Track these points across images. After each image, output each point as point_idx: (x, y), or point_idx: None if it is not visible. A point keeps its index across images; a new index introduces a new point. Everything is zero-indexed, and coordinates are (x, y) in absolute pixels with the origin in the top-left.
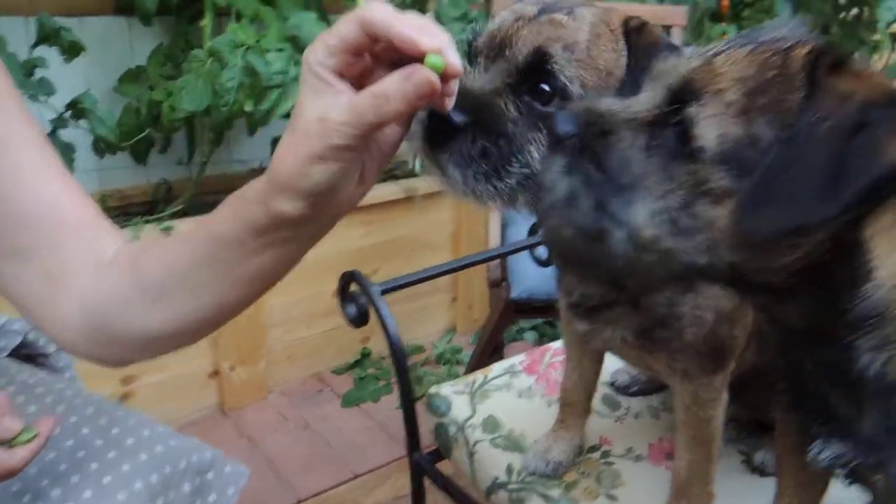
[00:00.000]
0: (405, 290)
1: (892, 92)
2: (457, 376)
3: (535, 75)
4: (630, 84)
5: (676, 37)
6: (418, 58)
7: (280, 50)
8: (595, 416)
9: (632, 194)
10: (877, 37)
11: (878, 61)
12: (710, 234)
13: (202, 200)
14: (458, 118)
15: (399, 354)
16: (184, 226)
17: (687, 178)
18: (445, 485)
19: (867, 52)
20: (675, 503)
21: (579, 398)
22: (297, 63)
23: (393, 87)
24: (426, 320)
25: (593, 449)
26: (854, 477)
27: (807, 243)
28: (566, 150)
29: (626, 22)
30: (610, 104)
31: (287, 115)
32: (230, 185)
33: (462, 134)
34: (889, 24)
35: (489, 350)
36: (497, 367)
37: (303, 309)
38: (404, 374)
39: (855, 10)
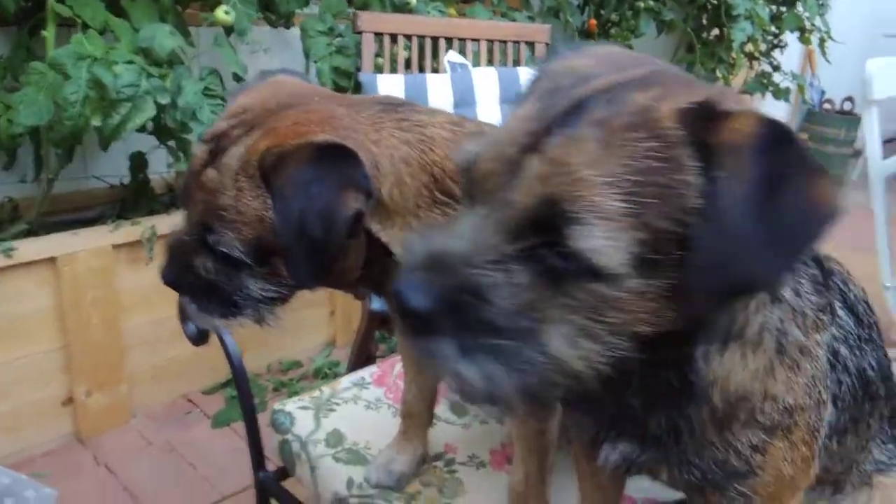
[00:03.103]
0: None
1: (769, 123)
2: None
3: (207, 243)
4: (283, 224)
5: (541, 53)
6: None
7: (130, 62)
8: (442, 423)
9: (536, 335)
10: (734, 55)
11: (735, 77)
12: (624, 329)
13: (52, 220)
14: (170, 280)
15: (238, 368)
16: (28, 247)
17: (589, 297)
18: (288, 501)
19: (725, 70)
20: None
21: (420, 409)
22: (150, 76)
23: None
24: (304, 335)
25: (438, 457)
26: (641, 472)
27: None
28: (440, 330)
29: (263, 160)
30: (453, 249)
31: (142, 129)
32: (85, 202)
33: (184, 288)
34: (742, 45)
35: (360, 361)
36: (346, 381)
37: (169, 328)
38: (244, 388)
39: (715, 31)
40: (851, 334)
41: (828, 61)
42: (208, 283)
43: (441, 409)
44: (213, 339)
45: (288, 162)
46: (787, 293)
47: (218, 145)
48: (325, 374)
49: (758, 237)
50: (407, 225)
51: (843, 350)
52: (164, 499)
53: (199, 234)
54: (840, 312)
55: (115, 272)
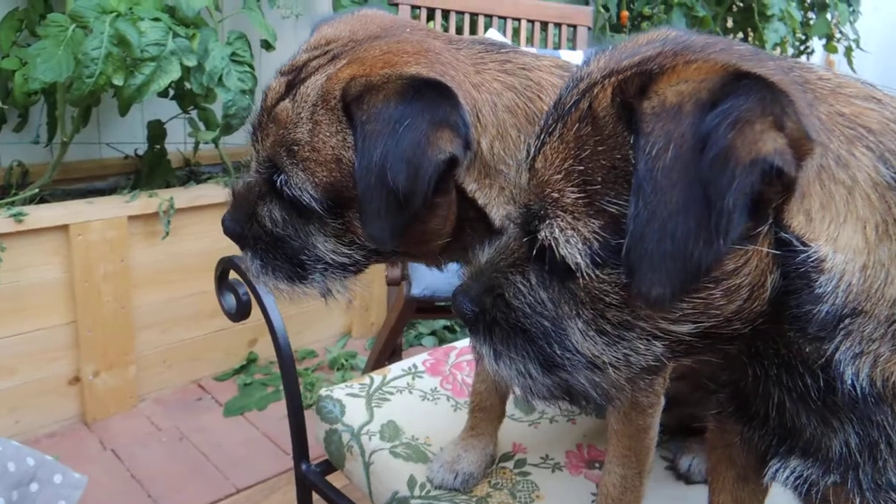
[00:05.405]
0: None
1: (727, 71)
2: None
3: (275, 184)
4: (362, 166)
5: (582, 36)
6: None
7: (156, 20)
8: (508, 420)
9: (559, 331)
10: None
11: None
12: (639, 323)
13: (65, 188)
14: (231, 229)
15: (285, 349)
16: (40, 213)
17: (584, 292)
18: (337, 501)
19: None
20: None
21: (493, 402)
22: (177, 35)
23: None
24: (319, 324)
25: (507, 457)
26: (810, 494)
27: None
28: (481, 331)
29: (347, 90)
30: (487, 257)
31: (163, 94)
32: (97, 172)
33: (247, 241)
34: (775, 46)
35: (387, 353)
36: (396, 368)
37: (182, 308)
38: (290, 372)
39: (741, 35)
40: None
41: (853, 70)
42: (274, 237)
43: (507, 404)
44: (226, 322)
45: (375, 94)
46: None
47: (296, 77)
48: (342, 365)
49: (675, 205)
50: (506, 186)
51: None
52: (174, 489)
53: (267, 174)
54: None
55: (129, 245)
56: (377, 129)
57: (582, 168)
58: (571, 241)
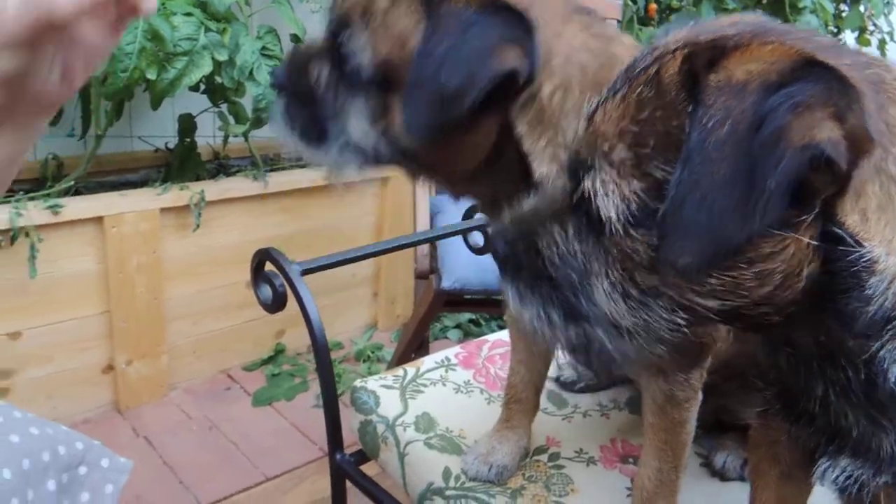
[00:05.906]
0: (324, 282)
1: (801, 57)
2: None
3: (337, 41)
4: (421, 55)
5: None
6: None
7: (188, 14)
8: (541, 413)
9: (585, 286)
10: None
11: None
12: (667, 291)
13: (98, 180)
14: (278, 79)
15: (321, 341)
16: (76, 205)
17: (615, 250)
18: (371, 490)
19: None
20: None
21: (528, 395)
22: (208, 30)
23: None
24: (345, 316)
25: (540, 450)
26: (861, 494)
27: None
28: (509, 273)
29: None
30: (531, 205)
31: (195, 88)
32: (129, 164)
33: (286, 93)
34: None
35: (415, 345)
36: (429, 361)
37: (212, 300)
38: (326, 363)
39: None
40: None
41: None
42: (313, 95)
43: (540, 397)
44: (258, 312)
45: None
46: None
47: None
48: (368, 357)
49: (720, 179)
50: (555, 142)
51: None
52: (205, 477)
53: (336, 29)
54: None
55: (162, 237)
56: (449, 25)
57: (637, 129)
58: (610, 195)
